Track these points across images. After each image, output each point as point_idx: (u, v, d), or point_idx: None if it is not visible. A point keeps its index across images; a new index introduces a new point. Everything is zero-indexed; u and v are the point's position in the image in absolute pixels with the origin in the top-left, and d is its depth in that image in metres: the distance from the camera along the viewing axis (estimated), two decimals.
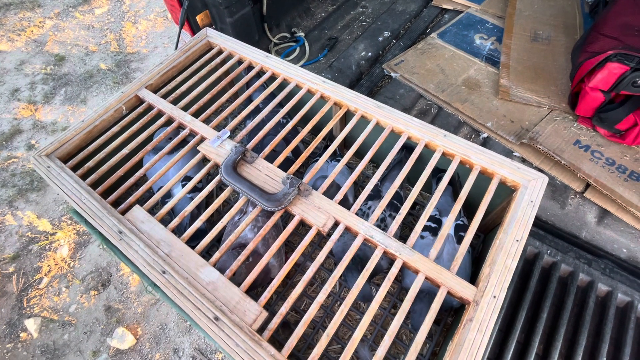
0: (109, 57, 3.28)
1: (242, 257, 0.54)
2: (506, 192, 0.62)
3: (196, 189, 0.72)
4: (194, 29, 1.12)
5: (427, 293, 0.60)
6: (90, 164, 0.67)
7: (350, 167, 0.84)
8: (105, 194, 0.63)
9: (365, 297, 0.64)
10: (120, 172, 0.66)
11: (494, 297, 0.46)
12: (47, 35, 3.54)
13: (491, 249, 0.52)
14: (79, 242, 2.20)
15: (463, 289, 0.48)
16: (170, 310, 1.91)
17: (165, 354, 1.81)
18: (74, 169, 0.66)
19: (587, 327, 0.72)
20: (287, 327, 0.65)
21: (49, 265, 2.10)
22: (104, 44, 3.43)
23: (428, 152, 0.66)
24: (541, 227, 0.89)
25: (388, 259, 0.65)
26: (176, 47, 1.11)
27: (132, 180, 0.65)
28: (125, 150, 0.69)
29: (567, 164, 0.97)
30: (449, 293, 0.49)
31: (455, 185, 0.73)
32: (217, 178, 0.63)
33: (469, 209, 0.67)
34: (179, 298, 0.50)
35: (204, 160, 0.68)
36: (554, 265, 0.83)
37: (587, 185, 0.97)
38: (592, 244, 0.90)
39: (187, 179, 0.74)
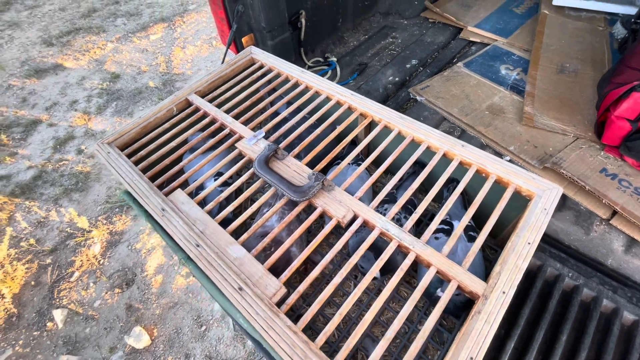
0: (157, 77, 3.59)
1: (267, 240, 0.59)
2: (521, 204, 0.64)
3: (226, 184, 0.80)
4: (239, 49, 1.25)
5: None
6: (142, 152, 0.77)
7: (370, 172, 0.89)
8: (152, 178, 0.71)
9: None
10: (166, 161, 0.75)
11: (503, 292, 0.48)
12: (107, 56, 3.95)
13: (503, 251, 0.54)
14: (110, 241, 2.33)
15: (473, 283, 0.50)
16: (186, 315, 1.96)
17: (177, 358, 1.84)
18: (129, 156, 0.76)
19: (611, 354, 0.70)
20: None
21: (81, 261, 2.24)
22: (154, 65, 3.77)
23: (443, 164, 0.69)
24: (563, 251, 0.88)
25: (403, 255, 0.68)
26: (222, 63, 1.25)
27: (176, 168, 0.73)
28: (173, 143, 0.78)
29: (592, 190, 0.97)
30: (459, 287, 0.52)
31: (465, 197, 0.76)
32: (249, 172, 0.70)
33: (482, 218, 0.69)
34: (209, 269, 0.55)
35: (238, 157, 0.76)
36: (576, 288, 0.81)
37: (614, 213, 0.96)
38: (619, 272, 0.87)
39: (218, 174, 0.82)
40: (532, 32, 1.52)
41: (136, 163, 0.73)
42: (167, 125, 0.83)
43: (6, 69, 3.68)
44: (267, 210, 0.73)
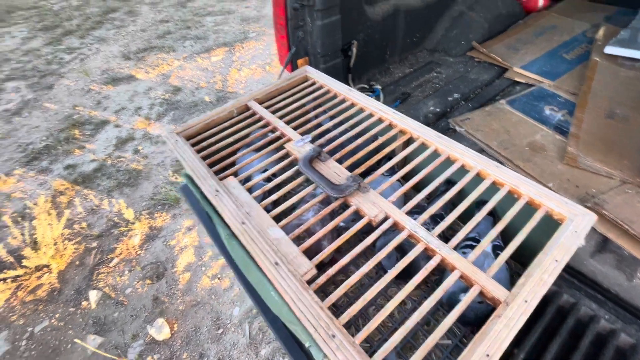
0: (213, 93, 3.93)
1: (303, 228, 0.66)
2: (551, 228, 0.65)
3: (269, 179, 0.89)
4: (294, 69, 1.39)
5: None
6: (204, 144, 0.88)
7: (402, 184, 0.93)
8: (210, 166, 0.81)
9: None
10: (223, 153, 0.85)
11: (526, 301, 0.50)
12: (172, 71, 4.41)
13: (529, 267, 0.56)
14: (149, 235, 2.50)
15: (496, 289, 0.52)
16: (206, 315, 2.02)
17: (192, 356, 1.89)
18: (193, 145, 0.87)
19: None
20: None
21: (121, 249, 2.41)
22: (212, 82, 4.14)
23: (475, 183, 0.72)
24: (600, 293, 0.84)
25: (426, 261, 0.71)
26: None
27: (230, 159, 0.83)
28: (230, 139, 0.89)
29: (637, 235, 0.93)
30: (481, 293, 0.53)
31: (495, 217, 0.77)
32: (293, 169, 0.78)
33: (511, 239, 0.70)
34: (250, 244, 0.62)
35: (285, 157, 0.84)
36: (613, 332, 0.77)
37: None
38: None
39: (264, 170, 0.91)
40: (580, 77, 1.53)
41: (198, 152, 0.84)
42: (226, 124, 0.94)
43: (90, 76, 4.23)
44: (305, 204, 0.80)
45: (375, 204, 0.67)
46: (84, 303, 2.11)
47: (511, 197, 0.69)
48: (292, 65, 1.37)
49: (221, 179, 0.77)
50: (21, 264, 2.15)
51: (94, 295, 2.14)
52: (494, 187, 0.71)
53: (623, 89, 1.42)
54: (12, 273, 2.09)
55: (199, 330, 1.99)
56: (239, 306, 2.07)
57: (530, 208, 0.66)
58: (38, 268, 2.22)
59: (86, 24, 5.72)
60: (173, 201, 2.65)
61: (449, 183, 0.84)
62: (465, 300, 0.52)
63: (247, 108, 0.99)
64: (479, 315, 0.60)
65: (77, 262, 2.31)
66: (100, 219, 2.59)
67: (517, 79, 1.59)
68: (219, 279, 2.21)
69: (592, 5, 2.14)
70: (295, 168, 0.78)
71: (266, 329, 1.95)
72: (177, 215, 2.60)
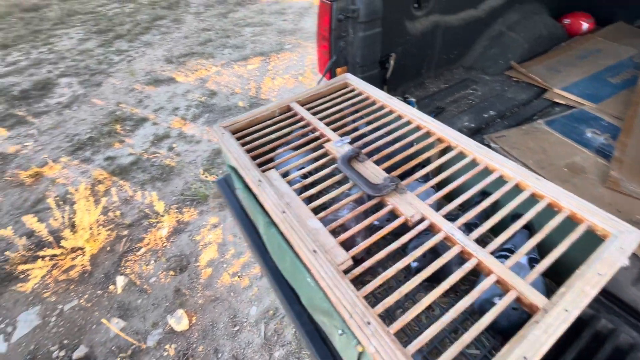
0: (246, 99, 4.08)
1: (339, 221, 0.68)
2: (591, 244, 0.63)
3: (305, 176, 0.93)
4: (332, 77, 1.44)
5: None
6: (248, 138, 0.93)
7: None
8: (253, 158, 0.86)
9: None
10: (265, 148, 0.90)
11: (566, 310, 0.49)
12: (209, 77, 4.62)
13: (570, 278, 0.55)
14: (176, 228, 2.60)
15: (534, 296, 0.52)
16: (224, 311, 2.05)
17: (207, 350, 1.92)
18: (238, 139, 0.92)
19: None
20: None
21: (149, 239, 2.51)
22: (246, 89, 4.31)
23: (512, 194, 0.71)
24: None
25: (459, 265, 0.71)
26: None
27: (273, 154, 0.88)
28: (272, 136, 0.94)
29: None
30: (517, 299, 0.53)
31: (532, 231, 0.76)
32: (331, 167, 0.81)
33: (547, 253, 0.68)
34: (290, 231, 0.65)
35: (323, 155, 0.88)
36: None
37: None
38: None
39: (301, 168, 0.95)
40: (625, 102, 1.48)
41: (242, 145, 0.89)
42: (269, 122, 0.99)
43: (135, 76, 4.52)
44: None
45: (412, 205, 0.69)
46: (111, 287, 2.20)
47: (550, 210, 0.68)
48: (331, 73, 1.42)
49: (263, 171, 0.81)
50: (59, 244, 2.28)
51: (120, 281, 2.24)
52: (533, 199, 0.70)
53: None
54: (50, 252, 2.22)
55: (216, 325, 2.03)
56: (256, 306, 2.09)
57: (570, 222, 0.66)
58: (73, 250, 2.35)
59: (135, 29, 6.14)
60: (201, 198, 2.75)
61: (484, 194, 0.84)
62: (501, 304, 0.52)
63: (289, 109, 1.04)
64: (512, 322, 0.59)
65: (108, 248, 2.43)
66: (132, 209, 2.72)
67: (556, 100, 1.57)
68: (239, 277, 2.25)
69: (638, 32, 2.08)
70: (333, 167, 0.81)
71: (282, 331, 1.96)
72: (204, 212, 2.69)
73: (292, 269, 0.69)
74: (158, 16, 6.62)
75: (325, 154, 0.88)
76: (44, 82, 4.55)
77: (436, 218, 0.66)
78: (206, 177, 2.97)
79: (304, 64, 4.74)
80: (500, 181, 0.75)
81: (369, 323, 0.50)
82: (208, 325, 2.05)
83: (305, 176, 0.91)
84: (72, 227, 2.43)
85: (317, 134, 0.93)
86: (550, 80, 1.68)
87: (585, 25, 2.13)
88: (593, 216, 0.63)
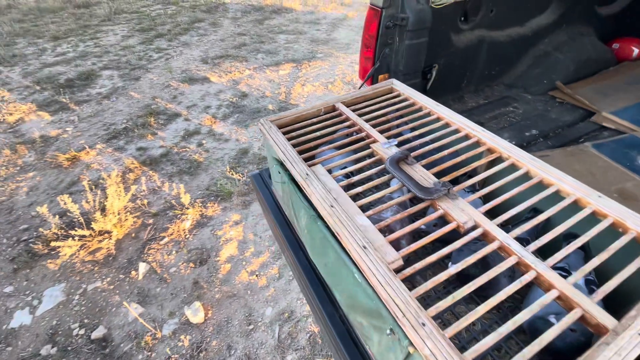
0: (276, 103, 4.15)
1: (387, 221, 0.67)
2: None
3: (347, 176, 0.92)
4: (373, 84, 1.45)
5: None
6: (293, 134, 0.94)
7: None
8: (300, 153, 0.87)
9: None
10: (312, 144, 0.90)
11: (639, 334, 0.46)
12: (242, 79, 4.74)
13: None
14: (199, 222, 2.64)
15: (602, 316, 0.49)
16: (240, 309, 2.06)
17: (220, 345, 1.92)
18: (284, 134, 0.93)
19: None
20: None
21: (172, 230, 2.56)
22: (276, 93, 4.39)
23: (568, 211, 0.68)
24: None
25: (509, 279, 0.68)
26: None
27: (317, 150, 0.88)
28: (317, 133, 0.94)
29: None
30: (582, 318, 0.50)
31: (587, 252, 0.72)
32: (378, 168, 0.81)
33: (604, 276, 0.64)
34: (338, 225, 0.64)
35: (368, 157, 0.87)
36: None
37: None
38: None
39: (344, 167, 0.95)
40: None
41: (288, 139, 0.90)
42: (315, 119, 1.00)
43: (172, 73, 4.70)
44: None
45: (464, 211, 0.67)
46: (133, 273, 2.25)
47: (613, 231, 0.65)
48: (373, 79, 1.43)
49: (310, 166, 0.81)
50: (89, 226, 2.36)
51: (142, 268, 2.28)
52: (593, 218, 0.67)
53: None
54: (80, 232, 2.30)
55: (231, 322, 2.03)
56: (272, 307, 2.08)
57: (636, 245, 0.62)
58: (101, 233, 2.43)
59: (175, 30, 6.41)
60: (226, 195, 2.79)
61: (534, 210, 0.80)
62: (564, 322, 0.49)
63: (334, 109, 1.05)
64: (567, 344, 0.56)
65: (133, 235, 2.50)
66: (159, 199, 2.79)
67: (605, 124, 1.51)
68: (257, 276, 2.26)
69: None
70: (380, 167, 0.81)
71: (296, 335, 1.94)
72: (227, 209, 2.72)
73: (335, 264, 0.68)
74: (197, 19, 6.91)
75: (371, 155, 0.87)
76: (88, 73, 4.79)
77: (490, 226, 0.64)
78: (232, 174, 3.02)
79: (335, 73, 4.80)
80: (557, 197, 0.72)
81: (423, 324, 0.48)
82: (223, 320, 2.05)
83: (348, 175, 0.91)
84: (102, 210, 2.52)
85: (363, 134, 0.93)
86: (598, 104, 1.62)
87: (635, 51, 2.06)
88: None
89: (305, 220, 0.79)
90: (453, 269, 0.57)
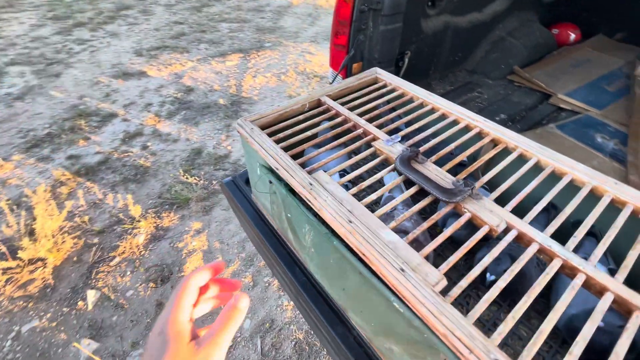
0: (227, 96, 3.88)
1: (416, 232, 0.58)
2: None
3: (353, 181, 0.82)
4: (348, 74, 1.35)
5: None
6: (281, 135, 0.81)
7: None
8: (293, 157, 0.74)
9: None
10: (305, 146, 0.78)
11: None
12: (185, 72, 4.35)
13: None
14: (155, 235, 2.36)
15: None
16: None
17: None
18: (269, 135, 0.80)
19: None
20: None
21: (124, 248, 2.26)
22: (226, 86, 4.10)
23: (586, 203, 0.65)
24: None
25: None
26: (331, 83, 1.35)
27: (315, 152, 0.76)
28: (309, 132, 0.82)
29: None
30: None
31: (598, 238, 0.71)
32: (389, 168, 0.72)
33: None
34: (364, 245, 0.54)
35: (370, 157, 0.78)
36: None
37: None
38: None
39: (344, 169, 0.84)
40: (626, 109, 1.54)
41: (276, 142, 0.77)
42: (301, 117, 0.87)
43: (100, 67, 4.13)
44: (402, 209, 0.73)
45: (493, 212, 0.61)
46: (80, 303, 1.93)
47: (635, 219, 0.63)
48: (347, 69, 1.33)
49: (309, 173, 0.69)
50: (15, 255, 1.97)
51: (91, 295, 1.97)
52: (613, 207, 0.65)
53: None
54: (3, 264, 1.91)
55: None
56: (250, 319, 1.94)
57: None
58: (32, 261, 2.04)
59: (98, 18, 5.65)
60: (183, 202, 2.52)
61: (550, 206, 0.78)
62: (632, 329, 0.45)
63: (320, 103, 0.93)
64: (613, 342, 0.53)
65: (75, 258, 2.14)
66: (102, 214, 2.44)
67: (562, 106, 1.60)
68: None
69: (618, 45, 2.22)
70: (389, 168, 0.72)
71: (280, 345, 1.82)
72: (185, 217, 2.47)
73: (360, 289, 0.58)
74: (124, 5, 6.16)
75: (374, 154, 0.77)
76: None
77: (525, 227, 0.58)
78: (187, 178, 2.75)
79: (286, 63, 4.61)
80: (572, 187, 0.69)
81: None
82: None
83: (354, 181, 0.80)
84: (31, 234, 2.12)
85: (359, 131, 0.83)
86: (553, 86, 1.71)
87: (572, 36, 2.23)
88: None
89: (313, 237, 0.68)
90: (502, 283, 0.50)
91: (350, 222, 0.57)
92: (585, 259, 0.63)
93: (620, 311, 0.49)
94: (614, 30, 2.25)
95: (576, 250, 0.57)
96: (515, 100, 1.64)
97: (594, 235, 0.73)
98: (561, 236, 0.57)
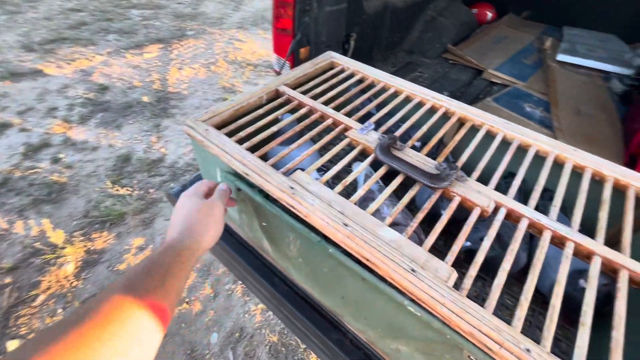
0: (151, 93, 3.49)
1: (414, 225, 0.55)
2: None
3: (321, 169, 0.76)
4: (295, 60, 1.26)
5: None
6: (242, 134, 0.71)
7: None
8: (261, 159, 0.65)
9: None
10: (273, 144, 0.69)
11: None
12: (95, 68, 3.79)
13: None
14: (87, 260, 2.05)
15: None
16: (177, 349, 1.71)
17: None
18: (228, 136, 0.69)
19: None
20: None
21: (49, 282, 1.92)
22: (148, 81, 3.68)
23: (551, 172, 0.69)
24: None
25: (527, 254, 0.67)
26: (279, 74, 1.24)
27: (286, 151, 0.68)
28: (274, 128, 0.73)
29: None
30: (631, 280, 0.50)
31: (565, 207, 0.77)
32: (369, 159, 0.67)
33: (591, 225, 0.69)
34: (367, 249, 0.49)
35: (347, 148, 0.72)
36: None
37: None
38: None
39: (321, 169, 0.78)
40: (544, 80, 1.72)
41: (239, 143, 0.67)
42: (261, 111, 0.78)
43: None
44: (391, 202, 0.69)
45: (481, 192, 0.60)
46: None
47: (595, 182, 0.68)
48: (295, 55, 1.24)
49: (285, 174, 0.61)
50: None
51: (13, 346, 1.64)
52: (575, 173, 0.69)
53: (580, 90, 1.64)
54: None
55: None
56: (217, 332, 1.80)
57: (619, 192, 0.66)
58: None
59: None
60: (117, 217, 2.22)
61: (511, 174, 0.81)
62: (623, 292, 0.48)
63: (279, 94, 0.84)
64: (600, 300, 0.57)
65: None
66: (11, 247, 2.03)
67: (493, 80, 1.72)
68: (187, 303, 1.90)
69: (526, 22, 2.48)
70: (370, 158, 0.67)
71: (253, 353, 1.73)
72: (122, 234, 2.18)
73: (363, 295, 0.53)
74: None
75: (350, 145, 0.72)
76: None
77: (512, 204, 0.59)
78: (117, 190, 2.42)
79: (214, 52, 4.29)
80: (538, 158, 0.73)
81: (528, 350, 0.39)
82: None
83: (321, 169, 0.74)
84: None
85: (328, 122, 0.76)
86: (483, 62, 1.83)
87: (489, 15, 2.42)
88: (636, 181, 0.65)
89: (300, 246, 0.60)
90: (506, 265, 0.49)
91: (346, 225, 0.51)
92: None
93: (606, 271, 0.52)
94: (521, 9, 2.50)
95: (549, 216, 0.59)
96: (454, 77, 1.73)
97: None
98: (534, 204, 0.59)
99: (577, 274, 0.60)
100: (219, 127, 0.72)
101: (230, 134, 0.70)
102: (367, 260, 0.49)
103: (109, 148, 2.74)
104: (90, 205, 2.28)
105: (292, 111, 0.80)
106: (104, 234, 2.13)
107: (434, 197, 0.60)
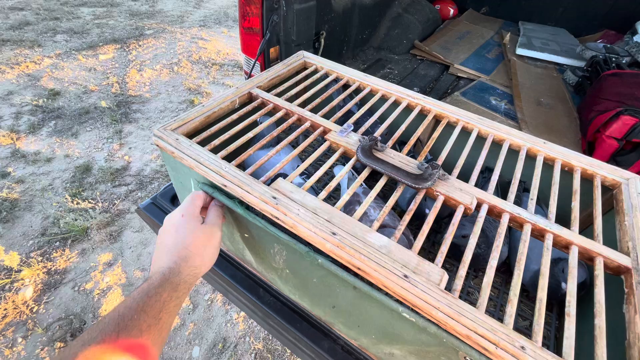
0: (110, 98, 3.29)
1: (402, 227, 0.54)
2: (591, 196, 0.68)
3: (305, 174, 0.73)
4: (265, 60, 1.22)
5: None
6: (216, 142, 0.67)
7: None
8: (239, 167, 0.62)
9: None
10: (250, 151, 0.66)
11: None
12: (43, 72, 3.51)
13: (622, 227, 0.58)
14: (48, 282, 1.90)
15: (618, 257, 0.52)
16: None
17: None
18: (201, 144, 0.65)
19: None
20: None
21: (5, 310, 1.76)
22: (105, 85, 3.46)
23: (521, 163, 0.72)
24: None
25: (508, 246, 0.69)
26: (249, 77, 1.20)
27: (265, 158, 0.64)
28: (250, 134, 0.70)
29: None
30: (605, 266, 0.53)
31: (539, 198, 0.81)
32: (351, 162, 0.65)
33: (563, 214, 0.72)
34: (357, 258, 0.47)
35: (328, 151, 0.70)
36: None
37: None
38: None
39: (303, 175, 0.75)
40: (505, 73, 1.80)
41: (213, 152, 0.63)
42: (234, 116, 0.74)
43: None
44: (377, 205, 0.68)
45: (463, 190, 0.61)
46: None
47: (565, 172, 0.71)
48: (265, 55, 1.20)
49: (265, 183, 0.58)
50: None
51: None
52: (546, 164, 0.72)
53: (538, 82, 1.73)
54: None
55: None
56: (198, 345, 1.73)
57: (588, 181, 0.70)
58: None
59: None
60: (79, 233, 2.07)
61: (488, 170, 0.84)
62: (599, 279, 0.50)
63: (252, 97, 0.80)
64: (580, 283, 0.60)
65: None
66: None
67: (459, 75, 1.77)
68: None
69: (486, 18, 2.58)
70: (352, 161, 0.65)
71: None
72: (87, 251, 2.04)
73: (355, 304, 0.52)
74: None
75: (330, 149, 0.70)
76: None
77: (493, 200, 0.60)
78: (78, 204, 2.25)
79: (176, 52, 4.10)
80: (512, 151, 0.75)
81: (523, 348, 0.40)
82: None
83: (304, 173, 0.72)
84: None
85: (306, 125, 0.74)
86: (448, 57, 1.88)
87: (451, 11, 2.49)
88: (601, 169, 0.69)
89: (287, 257, 0.58)
90: (493, 262, 0.50)
91: (334, 234, 0.50)
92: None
93: (582, 259, 0.55)
94: (480, 5, 2.60)
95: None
96: (422, 72, 1.77)
97: (527, 190, 0.81)
98: (505, 196, 0.61)
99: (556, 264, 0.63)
100: (191, 135, 0.68)
101: (203, 143, 0.65)
102: (359, 269, 0.47)
103: (66, 158, 2.54)
104: (48, 222, 2.11)
105: (268, 115, 0.77)
106: (65, 252, 1.97)
107: (419, 197, 0.60)
